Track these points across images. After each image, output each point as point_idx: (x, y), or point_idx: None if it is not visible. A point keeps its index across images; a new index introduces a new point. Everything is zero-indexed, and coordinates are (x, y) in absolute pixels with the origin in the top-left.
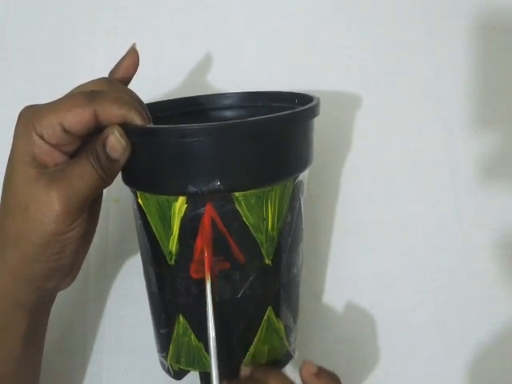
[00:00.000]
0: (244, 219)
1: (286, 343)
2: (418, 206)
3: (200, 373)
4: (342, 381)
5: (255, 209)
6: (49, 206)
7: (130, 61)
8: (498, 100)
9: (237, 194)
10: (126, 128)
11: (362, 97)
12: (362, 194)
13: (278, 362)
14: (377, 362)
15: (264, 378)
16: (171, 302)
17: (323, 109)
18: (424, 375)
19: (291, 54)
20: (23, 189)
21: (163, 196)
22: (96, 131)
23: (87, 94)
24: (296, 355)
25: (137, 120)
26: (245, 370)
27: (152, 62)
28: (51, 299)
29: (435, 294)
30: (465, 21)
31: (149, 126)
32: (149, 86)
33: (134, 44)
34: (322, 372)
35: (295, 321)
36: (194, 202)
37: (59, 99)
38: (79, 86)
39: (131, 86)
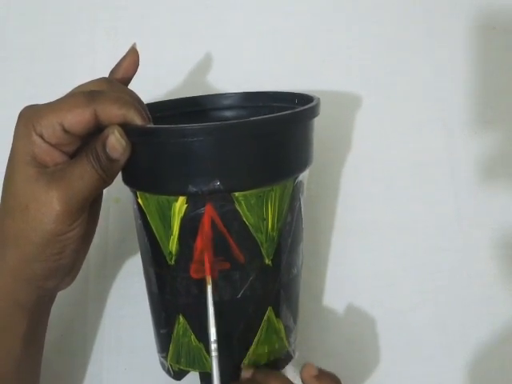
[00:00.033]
0: (244, 219)
1: (286, 343)
2: (418, 206)
3: (200, 373)
4: (342, 382)
5: (255, 209)
6: (49, 206)
7: (131, 61)
8: (497, 100)
9: (237, 194)
10: (126, 128)
11: (362, 97)
12: (362, 194)
13: (277, 362)
14: (377, 362)
15: (265, 380)
16: (171, 302)
17: (323, 109)
18: (424, 375)
19: (291, 54)
20: (23, 188)
21: (163, 196)
22: (96, 131)
23: (87, 93)
24: (296, 355)
25: (137, 120)
26: (246, 372)
27: (152, 62)
28: (51, 299)
29: (435, 294)
30: (465, 21)
31: (149, 126)
32: (149, 86)
33: (135, 44)
34: (322, 374)
35: (295, 321)
36: (194, 202)
37: (59, 99)
38: (79, 86)
39: (131, 86)
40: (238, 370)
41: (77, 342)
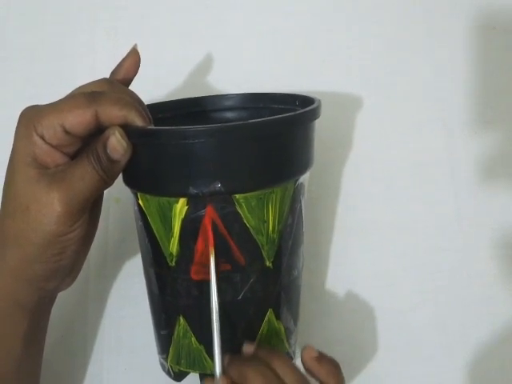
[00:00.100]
0: (245, 221)
1: (286, 345)
2: (418, 205)
3: (200, 374)
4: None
5: (256, 211)
6: (49, 207)
7: (131, 61)
8: (497, 100)
9: (238, 195)
10: (127, 129)
11: (362, 97)
12: (363, 194)
13: None
14: (377, 362)
15: (267, 358)
16: (172, 303)
17: (323, 109)
18: (424, 375)
19: (291, 54)
20: (24, 189)
21: (164, 197)
22: (97, 132)
23: (88, 94)
24: (296, 357)
25: (137, 121)
26: (248, 348)
27: (152, 62)
28: (52, 299)
29: (435, 294)
30: (465, 21)
31: (150, 127)
32: (149, 87)
33: (135, 45)
34: (322, 356)
35: (295, 323)
36: (195, 203)
37: (60, 100)
38: (80, 87)
39: (131, 86)
40: None
41: (77, 343)
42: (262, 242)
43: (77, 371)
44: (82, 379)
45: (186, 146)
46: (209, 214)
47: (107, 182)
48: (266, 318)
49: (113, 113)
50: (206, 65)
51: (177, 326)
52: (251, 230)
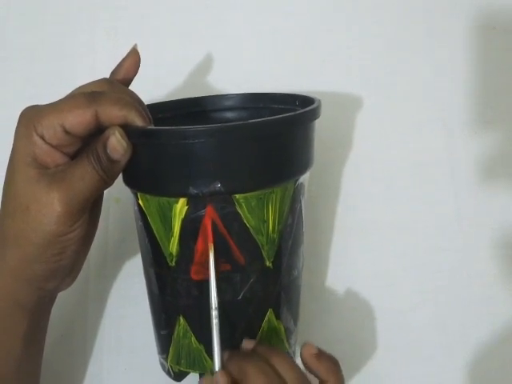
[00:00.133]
0: (245, 221)
1: (286, 345)
2: (418, 206)
3: (200, 374)
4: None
5: (256, 211)
6: (49, 207)
7: (131, 61)
8: (497, 100)
9: (237, 195)
10: (127, 129)
11: (362, 97)
12: (363, 194)
13: None
14: (377, 362)
15: (267, 354)
16: (172, 303)
17: (323, 109)
18: (424, 375)
19: (291, 54)
20: (24, 189)
21: (164, 197)
22: (97, 132)
23: (88, 94)
24: (296, 357)
25: (137, 121)
26: (247, 344)
27: (152, 62)
28: (51, 299)
29: (435, 294)
30: (465, 21)
31: (150, 127)
32: (149, 87)
33: (135, 45)
34: (322, 354)
35: (295, 323)
36: (195, 203)
37: (60, 100)
38: (80, 87)
39: (131, 86)
40: None
41: (77, 342)
42: (261, 241)
43: (77, 371)
44: (82, 379)
45: (186, 146)
46: (209, 214)
47: (107, 181)
48: (265, 318)
49: (113, 113)
50: (205, 65)
51: (177, 326)
52: (251, 230)
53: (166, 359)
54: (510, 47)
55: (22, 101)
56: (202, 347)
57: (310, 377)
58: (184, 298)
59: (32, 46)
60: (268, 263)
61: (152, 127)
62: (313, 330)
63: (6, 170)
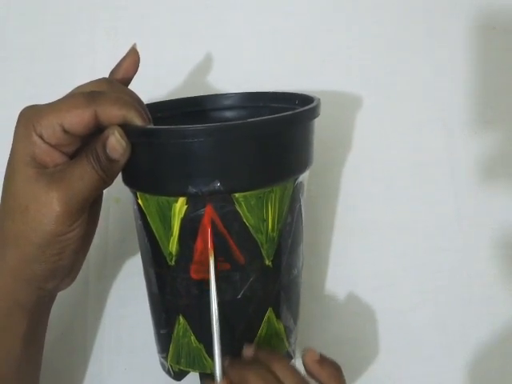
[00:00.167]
0: (244, 220)
1: (286, 344)
2: (418, 206)
3: (200, 374)
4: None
5: (255, 210)
6: (49, 207)
7: (131, 61)
8: (497, 100)
9: (237, 194)
10: (126, 129)
11: (362, 97)
12: (362, 194)
13: None
14: (377, 362)
15: (268, 361)
16: (171, 302)
17: (323, 109)
18: (424, 375)
19: (291, 54)
20: (23, 189)
21: (163, 197)
22: (96, 132)
23: (87, 94)
24: (296, 356)
25: (137, 120)
26: (248, 350)
27: (152, 62)
28: (51, 299)
29: (435, 294)
30: (465, 21)
31: (149, 126)
32: (149, 87)
33: (135, 44)
34: (324, 359)
35: (295, 322)
36: (194, 202)
37: (59, 100)
38: (79, 87)
39: (131, 86)
40: None
41: (77, 342)
42: (261, 240)
43: (77, 371)
44: (82, 379)
45: (185, 146)
46: (208, 213)
47: (106, 181)
48: (265, 317)
49: (112, 112)
50: (205, 65)
51: (176, 325)
52: (251, 229)
53: (165, 358)
54: (509, 47)
55: (22, 101)
56: (201, 346)
57: (312, 382)
58: (184, 297)
59: (32, 45)
60: (267, 262)
61: (151, 126)
62: (313, 329)
63: (5, 170)
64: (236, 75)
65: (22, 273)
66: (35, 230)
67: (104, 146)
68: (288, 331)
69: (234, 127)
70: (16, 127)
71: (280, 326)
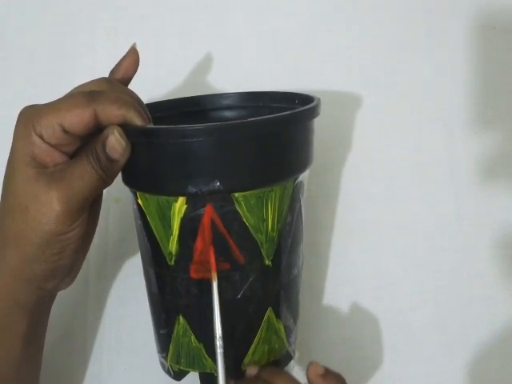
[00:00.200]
0: (244, 220)
1: (286, 344)
2: (418, 206)
3: (200, 373)
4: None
5: (255, 209)
6: (49, 206)
7: (131, 61)
8: (497, 100)
9: (237, 194)
10: (126, 128)
11: (362, 97)
12: (362, 194)
13: (277, 362)
14: (377, 361)
15: (271, 379)
16: (171, 302)
17: (323, 109)
18: (424, 375)
19: (291, 54)
20: (23, 189)
21: (163, 196)
22: (96, 131)
23: (87, 94)
24: (296, 356)
25: (136, 120)
26: (251, 370)
27: (152, 61)
28: (51, 299)
29: (435, 294)
30: (465, 21)
31: (149, 126)
32: (149, 86)
33: (135, 44)
34: (328, 373)
35: (295, 322)
36: (194, 202)
37: (59, 99)
38: (79, 86)
39: (131, 86)
40: (238, 370)
41: (77, 342)
42: (261, 240)
43: (76, 371)
44: (82, 379)
45: (185, 145)
46: (208, 212)
47: (106, 181)
48: (265, 317)
49: (112, 112)
50: (205, 65)
51: (176, 325)
52: (250, 229)
53: (165, 358)
54: (509, 47)
55: (22, 101)
56: (201, 346)
57: None
58: (183, 297)
59: (32, 45)
60: (267, 262)
61: (151, 126)
62: (312, 329)
63: (5, 170)
64: (236, 75)
65: (22, 273)
66: (35, 229)
67: (104, 146)
68: (288, 331)
69: (234, 127)
70: (16, 127)
71: (280, 326)
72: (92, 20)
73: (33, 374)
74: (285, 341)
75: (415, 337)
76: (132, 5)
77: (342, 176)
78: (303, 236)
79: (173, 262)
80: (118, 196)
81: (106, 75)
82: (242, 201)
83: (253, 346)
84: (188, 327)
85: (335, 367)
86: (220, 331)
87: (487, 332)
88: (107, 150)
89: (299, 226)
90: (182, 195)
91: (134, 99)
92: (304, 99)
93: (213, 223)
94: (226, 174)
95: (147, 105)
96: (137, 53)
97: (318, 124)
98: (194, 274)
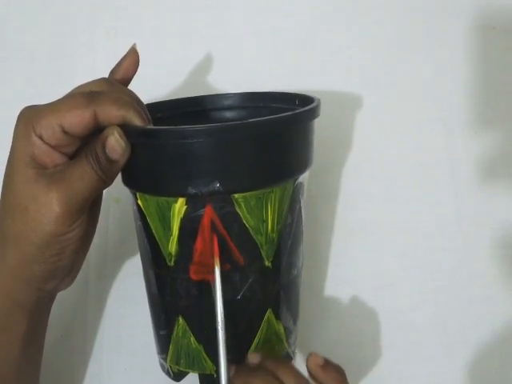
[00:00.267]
0: (244, 221)
1: (286, 345)
2: (418, 206)
3: (199, 374)
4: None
5: (255, 211)
6: (48, 207)
7: (131, 61)
8: (497, 100)
9: (236, 195)
10: (126, 129)
11: (362, 97)
12: (362, 194)
13: None
14: (377, 362)
15: (274, 368)
16: (171, 303)
17: (323, 109)
18: (424, 375)
19: (291, 54)
20: (23, 189)
21: (163, 197)
22: (96, 132)
23: (87, 94)
24: (296, 357)
25: (136, 121)
26: (253, 358)
27: (152, 62)
28: (51, 299)
29: (435, 294)
30: (465, 21)
31: (148, 127)
32: (149, 87)
33: (134, 44)
34: (328, 364)
35: (295, 322)
36: (194, 203)
37: (59, 100)
38: (79, 87)
39: (131, 86)
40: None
41: (77, 342)
42: (261, 241)
43: (76, 371)
44: (82, 379)
45: (185, 146)
46: (208, 213)
47: (106, 181)
48: (265, 318)
49: (111, 112)
50: (205, 65)
51: (176, 326)
52: (250, 230)
53: (165, 359)
54: (510, 47)
55: (22, 101)
56: (201, 347)
57: None
58: (183, 297)
59: (32, 45)
60: (267, 263)
61: (151, 127)
62: (312, 330)
63: (4, 170)
64: (236, 75)
65: (21, 273)
66: (35, 230)
67: (103, 147)
68: (288, 332)
69: (234, 128)
70: (16, 127)
71: (280, 327)
72: (92, 20)
73: (33, 374)
74: (284, 342)
75: (415, 337)
76: (132, 5)
77: (342, 176)
78: (303, 237)
79: (172, 263)
80: (118, 196)
81: (106, 75)
82: (242, 202)
83: (252, 347)
84: (188, 328)
85: None
86: (223, 320)
87: (487, 332)
88: (107, 151)
89: (299, 227)
90: (182, 196)
91: (134, 99)
92: (304, 100)
93: (212, 224)
94: (226, 174)
95: (147, 105)
96: (137, 53)
97: (318, 124)
98: (193, 275)
